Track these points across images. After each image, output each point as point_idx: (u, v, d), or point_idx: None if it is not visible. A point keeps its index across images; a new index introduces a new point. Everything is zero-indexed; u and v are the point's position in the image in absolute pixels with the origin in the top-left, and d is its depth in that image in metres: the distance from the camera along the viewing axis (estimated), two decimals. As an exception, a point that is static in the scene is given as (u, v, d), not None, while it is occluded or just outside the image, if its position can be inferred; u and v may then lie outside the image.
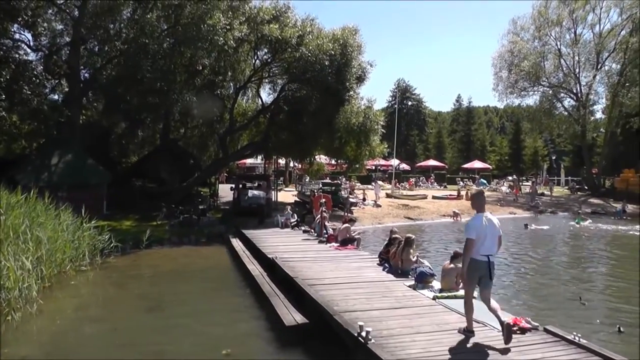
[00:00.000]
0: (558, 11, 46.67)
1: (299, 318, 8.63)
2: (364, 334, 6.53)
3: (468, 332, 7.01)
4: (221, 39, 21.20)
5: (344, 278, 10.67)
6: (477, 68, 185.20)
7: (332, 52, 23.51)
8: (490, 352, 6.39)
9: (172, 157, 27.22)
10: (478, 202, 7.15)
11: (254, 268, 13.34)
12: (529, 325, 7.27)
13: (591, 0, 45.51)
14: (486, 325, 7.37)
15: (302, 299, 9.43)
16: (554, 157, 78.14)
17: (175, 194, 25.21)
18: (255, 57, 26.67)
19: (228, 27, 21.78)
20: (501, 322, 6.63)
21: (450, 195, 39.10)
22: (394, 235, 12.30)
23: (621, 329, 9.17)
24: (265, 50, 25.64)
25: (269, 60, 25.91)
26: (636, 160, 49.81)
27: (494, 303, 6.98)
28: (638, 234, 23.93)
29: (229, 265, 15.43)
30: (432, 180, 53.59)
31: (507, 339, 6.46)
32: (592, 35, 47.13)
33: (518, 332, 7.09)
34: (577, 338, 6.70)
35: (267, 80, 28.92)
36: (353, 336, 6.78)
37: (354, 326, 6.90)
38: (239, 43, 23.59)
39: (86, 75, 25.40)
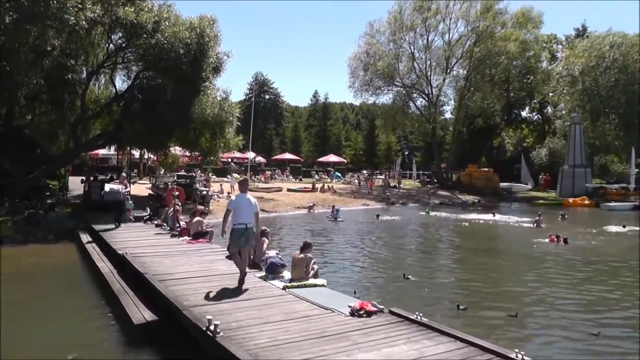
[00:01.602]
0: (412, 18, 49.78)
1: (148, 315, 8.34)
2: (212, 327, 6.48)
3: (242, 274, 9.23)
4: (72, 18, 19.47)
5: (195, 272, 10.53)
6: (335, 65, 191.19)
7: (189, 41, 22.78)
8: (336, 336, 6.65)
9: (16, 146, 24.75)
10: (242, 186, 9.98)
11: (104, 265, 12.60)
12: (374, 309, 7.65)
13: (442, 10, 49.29)
14: (334, 312, 7.70)
15: (153, 296, 9.15)
16: (406, 153, 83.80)
17: (20, 187, 22.88)
18: (109, 41, 24.93)
19: (80, 5, 20.08)
20: (241, 271, 9.27)
21: (305, 187, 39.92)
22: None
23: (460, 306, 10.02)
24: (120, 35, 24.02)
25: (123, 45, 24.37)
26: (479, 156, 55.35)
27: (245, 257, 9.70)
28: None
29: (78, 264, 14.41)
30: (288, 173, 54.67)
31: (240, 282, 9.08)
32: (442, 43, 51.21)
33: (364, 315, 7.47)
34: (419, 317, 7.19)
35: (121, 67, 27.14)
36: (202, 330, 6.69)
37: (203, 320, 6.81)
38: (91, 24, 21.80)
39: None
